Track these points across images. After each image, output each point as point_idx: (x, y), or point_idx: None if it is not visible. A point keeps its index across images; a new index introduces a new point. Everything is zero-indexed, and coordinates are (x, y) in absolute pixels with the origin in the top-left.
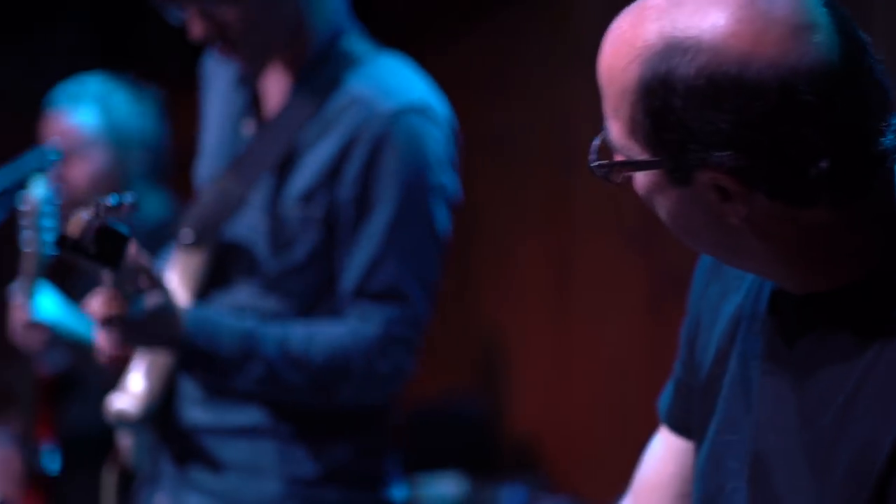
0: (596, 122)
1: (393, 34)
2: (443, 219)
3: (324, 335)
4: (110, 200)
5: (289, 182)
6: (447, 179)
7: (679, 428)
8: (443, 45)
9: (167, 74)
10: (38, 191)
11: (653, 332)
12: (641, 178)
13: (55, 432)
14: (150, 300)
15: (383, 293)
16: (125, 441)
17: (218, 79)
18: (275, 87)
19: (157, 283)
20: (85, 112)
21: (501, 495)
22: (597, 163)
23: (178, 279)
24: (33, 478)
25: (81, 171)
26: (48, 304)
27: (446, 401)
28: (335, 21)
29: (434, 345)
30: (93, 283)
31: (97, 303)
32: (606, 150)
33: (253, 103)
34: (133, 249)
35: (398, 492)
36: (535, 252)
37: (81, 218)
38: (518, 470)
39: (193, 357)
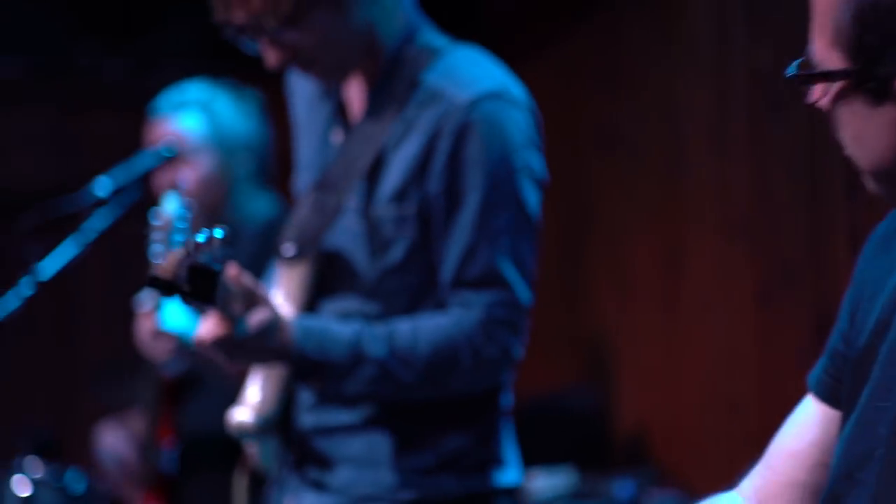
0: (706, 117)
1: (504, 31)
2: (532, 199)
3: (428, 328)
4: (200, 237)
5: (380, 184)
6: (533, 160)
7: (827, 397)
8: (554, 42)
9: (276, 75)
10: (170, 205)
11: (763, 325)
12: (833, 93)
13: (175, 434)
14: (255, 319)
15: (481, 279)
16: (251, 447)
17: (302, 91)
18: (357, 93)
19: (261, 302)
20: (190, 117)
21: (612, 488)
22: (794, 73)
23: (283, 293)
24: (154, 479)
25: (189, 176)
26: (174, 314)
27: (558, 395)
28: (406, 22)
29: (546, 339)
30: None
31: (204, 327)
32: (806, 68)
33: (339, 112)
34: (235, 271)
35: (512, 475)
36: (645, 247)
37: (173, 257)
38: (628, 463)
39: (306, 368)
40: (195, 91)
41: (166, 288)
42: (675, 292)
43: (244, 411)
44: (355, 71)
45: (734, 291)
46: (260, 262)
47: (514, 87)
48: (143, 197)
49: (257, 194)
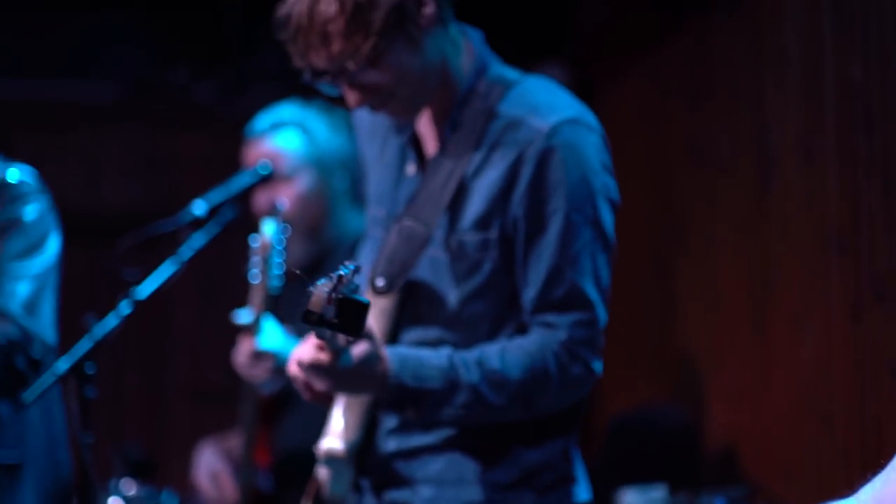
0: (796, 131)
1: (593, 49)
2: (609, 221)
3: (516, 351)
4: (344, 270)
5: (463, 212)
6: (609, 183)
7: None
8: (643, 58)
9: None
10: (269, 230)
11: (855, 340)
12: None
13: (270, 453)
14: (358, 350)
15: (564, 301)
16: (323, 473)
17: (365, 126)
18: (430, 127)
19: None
20: (287, 137)
21: None
22: None
23: (371, 321)
24: (249, 498)
25: (289, 196)
26: (272, 335)
27: (648, 412)
28: (477, 56)
29: (635, 357)
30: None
31: (305, 350)
32: None
33: (412, 145)
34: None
35: (585, 493)
36: (734, 261)
37: (322, 291)
38: (719, 481)
39: (404, 397)
40: (290, 111)
41: (317, 322)
42: (764, 308)
43: (332, 440)
44: (429, 104)
45: (825, 306)
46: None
47: (587, 113)
48: (240, 216)
49: (352, 211)
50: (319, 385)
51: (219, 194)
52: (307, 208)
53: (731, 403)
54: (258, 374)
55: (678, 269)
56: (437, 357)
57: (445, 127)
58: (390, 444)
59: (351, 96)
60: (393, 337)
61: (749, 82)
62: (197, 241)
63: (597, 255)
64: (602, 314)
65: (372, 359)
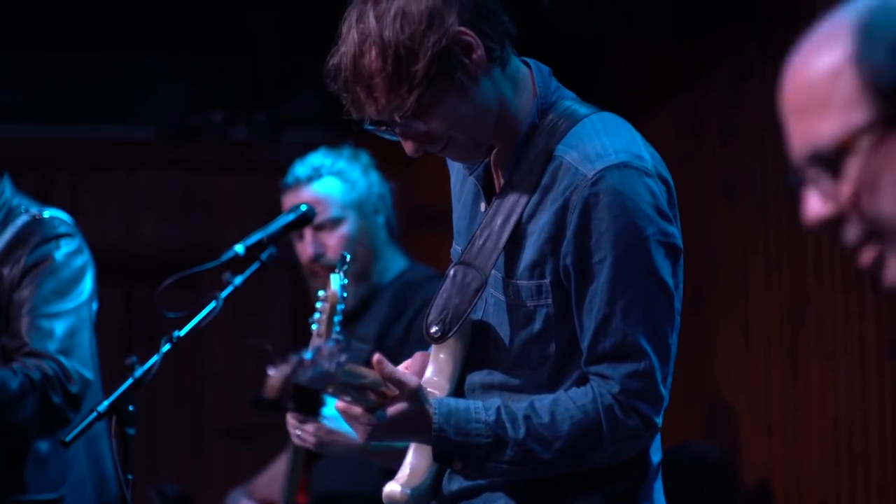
0: None
1: (627, 86)
2: (666, 267)
3: (566, 404)
4: (307, 354)
5: (519, 255)
6: (664, 227)
7: None
8: (677, 95)
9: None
10: (336, 283)
11: (892, 376)
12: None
13: (307, 496)
14: (393, 410)
15: (615, 352)
16: None
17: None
18: (500, 165)
19: (403, 391)
20: (327, 184)
21: None
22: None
23: (433, 368)
24: None
25: (333, 241)
26: None
27: (681, 449)
28: (543, 91)
29: (669, 392)
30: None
31: (342, 405)
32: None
33: (484, 182)
34: (377, 359)
35: None
36: (767, 297)
37: (276, 378)
38: None
39: (447, 451)
40: (324, 158)
41: (270, 407)
42: (798, 344)
43: (394, 484)
44: (496, 143)
45: (861, 343)
46: (399, 317)
47: (644, 156)
48: (278, 257)
49: (391, 251)
50: (361, 435)
51: (258, 235)
52: (356, 251)
53: (766, 439)
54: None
55: (712, 305)
56: (487, 411)
57: (508, 166)
58: (455, 484)
59: (407, 145)
60: (458, 382)
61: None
62: (237, 280)
63: (652, 304)
64: (658, 362)
65: (409, 417)
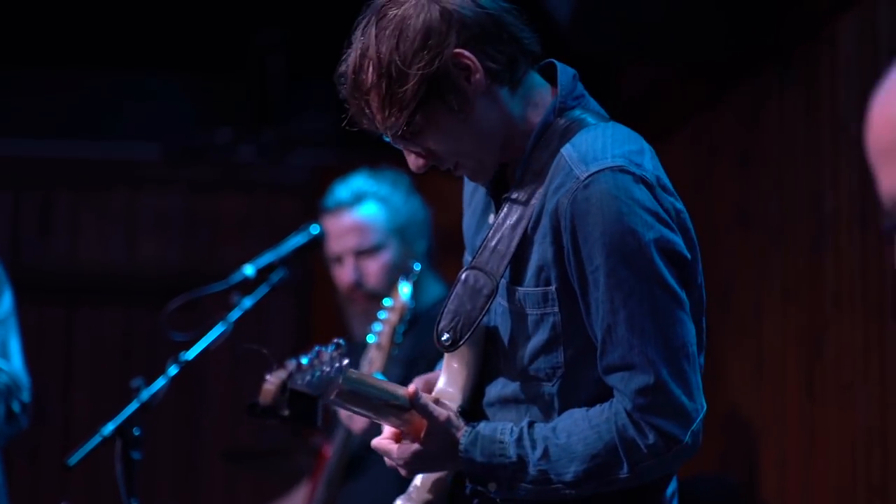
0: (848, 195)
1: (639, 110)
2: (670, 274)
3: (582, 424)
4: (304, 358)
5: (525, 262)
6: (664, 233)
7: None
8: (690, 119)
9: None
10: (406, 294)
11: None
12: None
13: None
14: (422, 447)
15: (622, 364)
16: None
17: None
18: (513, 164)
19: (434, 426)
20: (370, 209)
21: None
22: None
23: (446, 377)
24: None
25: (375, 267)
26: None
27: (694, 480)
28: (562, 92)
29: None
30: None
31: (377, 442)
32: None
33: (494, 191)
34: (412, 391)
35: None
36: (783, 326)
37: (272, 383)
38: None
39: (475, 473)
40: (367, 182)
41: (264, 413)
42: (815, 374)
43: (406, 500)
44: (507, 159)
45: (880, 373)
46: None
47: (643, 162)
48: (289, 278)
49: (430, 278)
50: (400, 470)
51: (269, 257)
52: (397, 278)
53: (781, 471)
54: (358, 428)
55: (725, 333)
56: (511, 432)
57: (517, 176)
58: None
59: (409, 159)
60: (479, 390)
61: (801, 146)
62: (246, 303)
63: (659, 311)
64: (671, 375)
65: (440, 447)
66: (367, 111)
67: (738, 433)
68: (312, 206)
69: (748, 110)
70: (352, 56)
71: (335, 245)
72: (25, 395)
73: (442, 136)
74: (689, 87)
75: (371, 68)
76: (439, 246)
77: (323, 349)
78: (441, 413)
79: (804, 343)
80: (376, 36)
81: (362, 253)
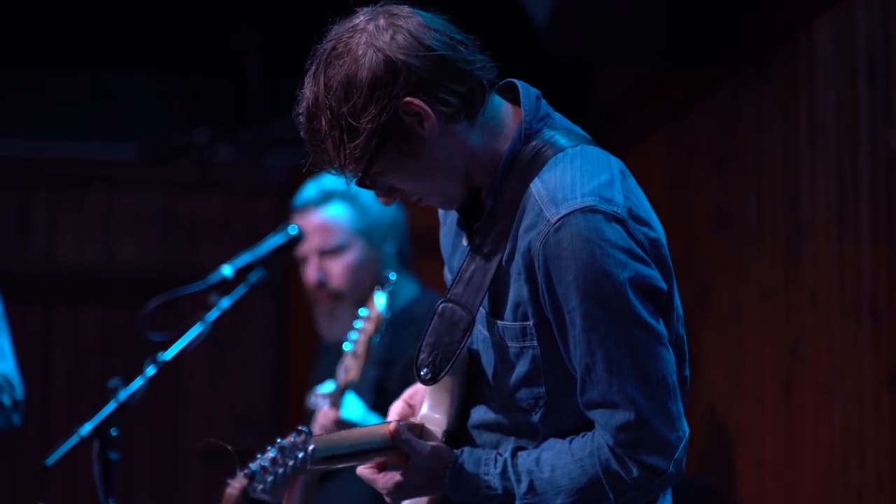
0: (826, 197)
1: (616, 113)
2: (647, 310)
3: (566, 458)
4: (264, 461)
5: (503, 296)
6: (639, 270)
7: None
8: (667, 123)
9: None
10: (381, 305)
11: (890, 409)
12: None
13: None
14: (406, 476)
15: (604, 400)
16: None
17: None
18: (483, 200)
19: (413, 460)
20: (337, 209)
21: None
22: None
23: (428, 403)
24: None
25: (338, 268)
26: (354, 407)
27: None
28: (527, 117)
29: None
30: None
31: (361, 470)
32: None
33: (465, 216)
34: (394, 428)
35: None
36: (760, 328)
37: (234, 489)
38: None
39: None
40: (337, 182)
41: None
42: (792, 375)
43: None
44: (476, 185)
45: (857, 374)
46: (406, 347)
47: (613, 195)
48: (267, 278)
49: (402, 278)
50: (387, 497)
51: (247, 257)
52: (361, 279)
53: (758, 473)
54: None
55: (702, 335)
56: (496, 462)
57: (487, 204)
58: None
59: (380, 195)
60: (455, 420)
61: (779, 149)
62: (224, 303)
63: (637, 349)
64: (652, 411)
65: (424, 478)
66: (325, 158)
67: (716, 434)
68: (290, 206)
69: (726, 112)
70: (303, 103)
71: (301, 244)
72: (19, 393)
73: (402, 177)
74: (666, 89)
75: (323, 119)
76: (414, 247)
77: (285, 443)
78: (424, 448)
79: (782, 344)
80: (325, 86)
81: (326, 253)
